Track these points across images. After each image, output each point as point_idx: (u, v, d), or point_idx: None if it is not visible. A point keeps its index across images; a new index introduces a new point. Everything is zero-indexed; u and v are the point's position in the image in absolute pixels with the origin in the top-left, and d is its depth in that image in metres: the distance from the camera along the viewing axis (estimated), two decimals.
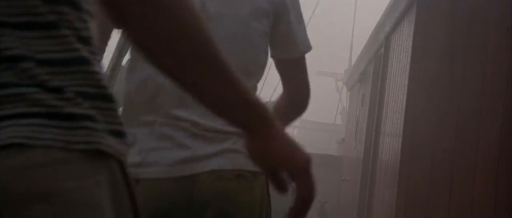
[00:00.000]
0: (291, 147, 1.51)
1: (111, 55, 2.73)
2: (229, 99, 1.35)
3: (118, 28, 1.33)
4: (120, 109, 2.29)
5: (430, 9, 5.10)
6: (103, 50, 2.50)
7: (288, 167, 1.49)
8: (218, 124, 2.18)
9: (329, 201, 10.44)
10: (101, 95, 1.14)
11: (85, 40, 1.13)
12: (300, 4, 2.75)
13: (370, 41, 8.25)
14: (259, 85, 2.51)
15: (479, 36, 4.92)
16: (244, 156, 1.92)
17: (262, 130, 1.43)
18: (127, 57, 2.72)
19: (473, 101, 4.85)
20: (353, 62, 12.67)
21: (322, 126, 15.61)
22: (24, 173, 1.05)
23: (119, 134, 1.16)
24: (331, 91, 15.32)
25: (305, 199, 1.45)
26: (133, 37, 1.28)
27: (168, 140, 2.22)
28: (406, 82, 5.22)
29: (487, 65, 4.86)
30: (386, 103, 6.41)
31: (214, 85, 1.32)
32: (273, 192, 1.74)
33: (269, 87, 7.69)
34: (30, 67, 1.07)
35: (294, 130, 14.69)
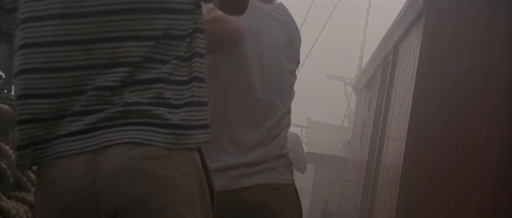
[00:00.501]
0: None
1: None
2: None
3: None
4: None
5: (438, 21, 5.10)
6: None
7: None
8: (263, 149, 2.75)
9: (333, 199, 10.43)
10: (198, 103, 1.72)
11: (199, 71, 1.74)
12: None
13: (379, 48, 8.24)
14: None
15: (484, 48, 4.93)
16: (278, 172, 2.74)
17: None
18: None
19: (475, 111, 4.85)
20: (362, 67, 12.65)
21: (330, 127, 15.57)
22: (138, 160, 1.63)
23: (205, 126, 1.74)
24: (340, 95, 15.31)
25: None
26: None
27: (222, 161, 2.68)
28: (412, 89, 5.22)
29: (491, 77, 4.86)
30: (392, 109, 6.40)
31: None
32: None
33: None
34: (156, 87, 1.66)
35: (303, 130, 14.66)
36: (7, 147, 2.47)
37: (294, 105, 3.03)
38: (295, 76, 2.92)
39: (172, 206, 1.68)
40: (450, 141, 4.93)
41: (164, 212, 1.67)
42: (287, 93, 2.87)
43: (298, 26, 3.04)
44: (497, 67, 4.88)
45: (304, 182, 9.52)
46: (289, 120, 2.91)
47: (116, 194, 1.64)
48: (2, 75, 3.19)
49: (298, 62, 2.95)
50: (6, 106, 3.02)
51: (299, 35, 2.98)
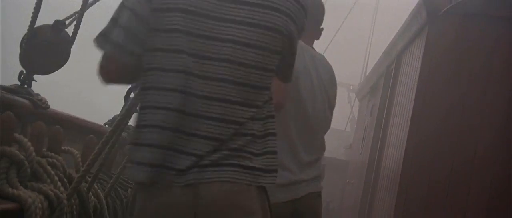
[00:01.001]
0: None
1: None
2: None
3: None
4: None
5: (440, 33, 5.11)
6: None
7: None
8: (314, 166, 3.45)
9: (333, 200, 10.45)
10: (271, 152, 2.15)
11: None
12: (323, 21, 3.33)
13: (383, 57, 8.25)
14: None
15: (483, 61, 4.93)
16: (318, 181, 3.46)
17: None
18: None
19: (473, 120, 4.86)
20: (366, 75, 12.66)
21: (333, 131, 15.55)
22: (229, 194, 2.07)
23: (275, 171, 2.16)
24: (343, 101, 15.31)
25: None
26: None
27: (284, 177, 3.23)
28: (413, 98, 5.23)
29: (489, 88, 4.86)
30: (393, 116, 6.41)
31: None
32: None
33: None
34: (247, 140, 2.11)
35: None
36: (25, 139, 2.49)
37: None
38: (331, 114, 3.60)
39: None
40: (448, 149, 4.93)
41: None
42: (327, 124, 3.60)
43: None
44: (496, 81, 4.88)
45: None
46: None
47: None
48: (23, 71, 3.21)
49: (334, 104, 3.60)
50: (26, 101, 3.04)
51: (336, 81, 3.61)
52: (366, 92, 10.32)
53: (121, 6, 2.16)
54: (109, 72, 2.22)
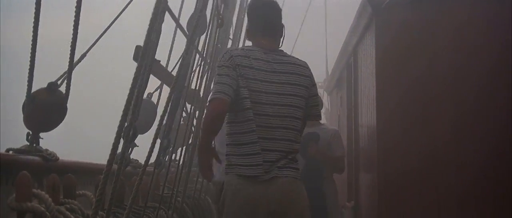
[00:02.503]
0: None
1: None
2: None
3: None
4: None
5: (387, 22, 5.16)
6: None
7: None
8: None
9: None
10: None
11: None
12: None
13: (341, 53, 8.30)
14: None
15: (429, 39, 4.98)
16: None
17: None
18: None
19: (423, 93, 4.91)
20: (329, 72, 12.71)
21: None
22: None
23: None
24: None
25: None
26: None
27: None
28: (374, 82, 5.26)
29: (436, 64, 4.93)
30: (361, 101, 6.44)
31: None
32: None
33: None
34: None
35: None
36: (43, 193, 2.47)
37: None
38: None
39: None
40: (413, 120, 4.97)
41: None
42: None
43: None
44: (441, 56, 4.95)
45: None
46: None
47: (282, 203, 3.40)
48: (29, 132, 3.19)
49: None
50: (37, 158, 3.02)
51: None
52: (333, 86, 10.37)
53: None
54: None
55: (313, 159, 5.52)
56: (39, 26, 2.95)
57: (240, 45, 6.60)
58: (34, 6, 2.89)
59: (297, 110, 3.54)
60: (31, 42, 2.99)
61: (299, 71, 3.60)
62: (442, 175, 4.81)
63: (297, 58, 3.70)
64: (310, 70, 3.67)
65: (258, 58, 3.52)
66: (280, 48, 3.69)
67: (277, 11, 3.75)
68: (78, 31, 3.04)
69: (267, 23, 3.68)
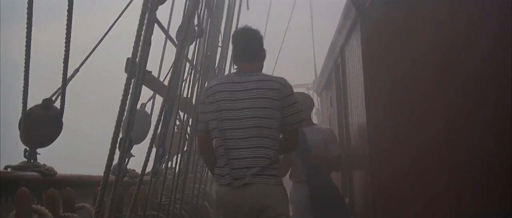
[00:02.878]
0: None
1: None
2: None
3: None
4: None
5: (371, 23, 5.17)
6: None
7: None
8: None
9: None
10: None
11: None
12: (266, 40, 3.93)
13: (329, 54, 8.31)
14: None
15: (414, 37, 5.00)
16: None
17: None
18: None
19: (412, 89, 4.93)
20: (318, 73, 12.73)
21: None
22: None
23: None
24: None
25: None
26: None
27: None
28: (362, 81, 5.27)
29: (422, 62, 4.95)
30: (350, 101, 6.44)
31: None
32: None
33: None
34: None
35: None
36: (42, 208, 2.47)
37: None
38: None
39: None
40: (403, 118, 4.98)
41: None
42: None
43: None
44: (424, 53, 4.96)
45: None
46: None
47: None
48: (26, 149, 3.18)
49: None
50: (35, 173, 3.01)
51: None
52: (323, 87, 10.38)
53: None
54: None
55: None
56: (33, 41, 2.94)
57: (229, 53, 6.64)
58: (26, 26, 2.88)
59: (264, 121, 4.02)
60: (24, 60, 2.98)
61: (266, 86, 4.06)
62: (435, 172, 4.82)
63: (272, 76, 4.23)
64: (283, 84, 4.11)
65: (226, 90, 4.12)
66: (263, 71, 4.33)
67: (256, 37, 4.34)
68: (72, 44, 3.04)
69: (245, 50, 4.26)
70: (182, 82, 5.34)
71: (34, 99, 3.29)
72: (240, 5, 7.26)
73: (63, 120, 3.37)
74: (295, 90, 4.51)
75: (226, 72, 6.69)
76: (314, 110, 14.89)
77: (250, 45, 4.29)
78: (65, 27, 2.97)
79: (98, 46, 4.90)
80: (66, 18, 2.93)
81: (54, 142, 3.44)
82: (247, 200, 3.93)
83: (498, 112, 4.73)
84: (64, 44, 3.05)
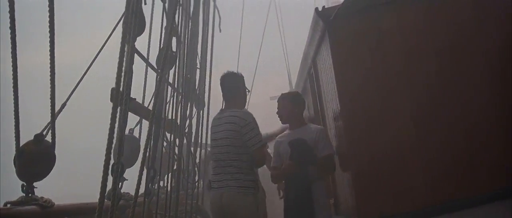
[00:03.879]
0: None
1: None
2: None
3: None
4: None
5: (339, 33, 5.21)
6: None
7: None
8: None
9: None
10: None
11: None
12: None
13: (302, 65, 8.36)
14: None
15: (379, 43, 5.06)
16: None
17: None
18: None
19: (381, 92, 4.97)
20: (293, 84, 12.80)
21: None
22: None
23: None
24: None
25: None
26: None
27: None
28: (335, 87, 5.30)
29: (389, 66, 5.01)
30: (325, 106, 6.49)
31: None
32: None
33: None
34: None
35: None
36: None
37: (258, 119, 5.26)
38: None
39: None
40: (376, 118, 5.01)
41: None
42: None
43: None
44: (389, 59, 5.02)
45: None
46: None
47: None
48: (24, 184, 3.16)
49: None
50: (34, 207, 2.99)
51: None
52: None
53: None
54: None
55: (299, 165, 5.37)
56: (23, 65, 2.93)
57: (208, 73, 6.72)
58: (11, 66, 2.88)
59: (232, 148, 5.15)
60: (13, 98, 2.97)
61: (231, 121, 5.17)
62: (409, 165, 4.85)
63: (238, 112, 5.20)
64: (241, 117, 5.14)
65: (212, 125, 5.41)
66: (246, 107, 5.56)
67: (235, 78, 5.32)
68: (61, 72, 3.04)
69: (226, 90, 5.31)
70: (166, 105, 5.34)
71: (27, 135, 3.28)
72: (213, 29, 7.31)
73: (56, 152, 3.35)
74: (274, 100, 4.88)
75: (206, 92, 6.75)
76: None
77: (227, 88, 5.29)
78: (49, 62, 2.96)
79: (85, 76, 4.88)
80: (49, 53, 2.92)
81: (50, 174, 3.42)
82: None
83: (462, 107, 4.80)
84: (50, 80, 3.05)
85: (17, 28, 2.78)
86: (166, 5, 5.24)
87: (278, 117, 5.83)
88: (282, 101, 5.80)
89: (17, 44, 2.79)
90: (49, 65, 3.00)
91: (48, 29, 2.84)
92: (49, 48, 2.86)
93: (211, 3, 7.31)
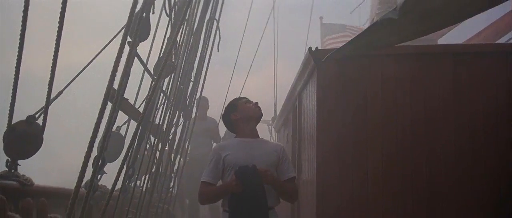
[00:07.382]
0: None
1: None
2: None
3: None
4: None
5: (327, 73, 5.26)
6: None
7: None
8: None
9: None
10: None
11: None
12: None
13: (288, 97, 8.40)
14: None
15: (361, 89, 5.11)
16: None
17: None
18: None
19: (357, 132, 5.00)
20: (277, 112, 12.84)
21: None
22: None
23: None
24: (266, 133, 15.50)
25: None
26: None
27: None
28: (315, 122, 5.33)
29: (368, 109, 5.04)
30: (303, 139, 6.50)
31: None
32: None
33: None
34: None
35: None
36: (17, 216, 2.42)
37: None
38: None
39: None
40: (350, 157, 5.04)
41: None
42: None
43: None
44: (371, 101, 5.07)
45: None
46: None
47: None
48: (8, 159, 3.14)
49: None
50: (14, 182, 2.96)
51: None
52: (281, 124, 10.44)
53: None
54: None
55: (256, 190, 4.26)
56: (26, 59, 2.91)
57: (200, 87, 6.71)
58: (18, 45, 2.86)
59: None
60: (14, 77, 2.95)
61: None
62: (376, 203, 4.89)
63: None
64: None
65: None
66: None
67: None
68: (62, 66, 3.02)
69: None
70: (155, 110, 5.33)
71: (20, 115, 3.25)
72: (212, 48, 7.34)
73: (44, 136, 3.33)
74: (257, 126, 4.70)
75: (195, 103, 6.73)
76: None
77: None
78: (53, 52, 2.95)
79: (83, 72, 4.86)
80: (54, 44, 2.91)
81: (34, 156, 3.39)
82: None
83: (431, 154, 4.86)
84: (51, 68, 3.03)
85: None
86: (172, 18, 5.26)
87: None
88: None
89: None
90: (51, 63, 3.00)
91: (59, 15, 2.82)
92: (57, 27, 2.83)
93: (215, 23, 7.34)
